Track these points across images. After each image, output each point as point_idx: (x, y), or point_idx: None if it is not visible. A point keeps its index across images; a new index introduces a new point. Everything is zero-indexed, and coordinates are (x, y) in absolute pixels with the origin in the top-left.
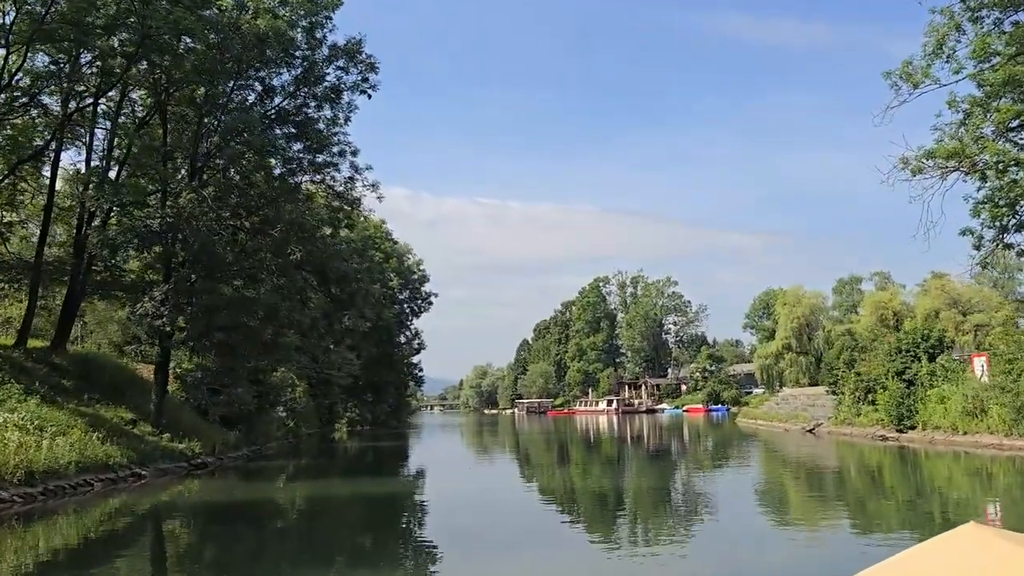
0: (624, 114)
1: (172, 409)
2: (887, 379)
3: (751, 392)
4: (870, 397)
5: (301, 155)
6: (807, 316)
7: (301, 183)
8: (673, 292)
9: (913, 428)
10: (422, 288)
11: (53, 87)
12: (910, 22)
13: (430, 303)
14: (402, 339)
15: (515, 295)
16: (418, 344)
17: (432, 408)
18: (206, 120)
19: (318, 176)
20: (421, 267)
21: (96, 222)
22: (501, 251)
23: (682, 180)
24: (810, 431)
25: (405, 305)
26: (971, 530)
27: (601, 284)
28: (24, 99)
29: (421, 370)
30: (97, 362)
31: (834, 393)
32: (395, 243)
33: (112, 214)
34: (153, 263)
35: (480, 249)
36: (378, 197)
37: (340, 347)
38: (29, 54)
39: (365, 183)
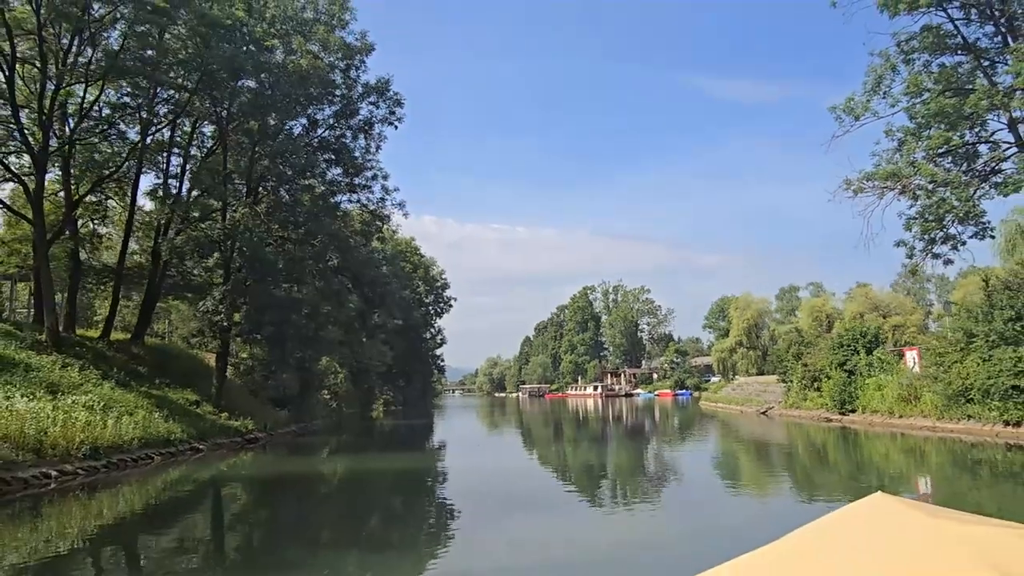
0: (611, 153)
1: (231, 392)
2: (831, 369)
3: (710, 380)
4: (816, 385)
5: (339, 178)
6: (755, 318)
7: (340, 202)
8: (647, 298)
9: (854, 411)
10: (444, 293)
11: (130, 117)
12: (842, 82)
13: (450, 305)
14: (427, 335)
15: (521, 302)
16: (440, 340)
17: (454, 392)
18: (258, 148)
19: (354, 196)
20: (443, 276)
21: (169, 234)
22: (510, 267)
23: (661, 208)
24: (763, 413)
25: (430, 307)
26: (879, 500)
27: (589, 291)
28: (104, 127)
29: (443, 361)
30: (170, 352)
31: (784, 381)
32: (422, 256)
33: (182, 227)
34: (215, 268)
35: (494, 266)
36: (404, 214)
37: (375, 340)
38: (107, 88)
39: (393, 202)
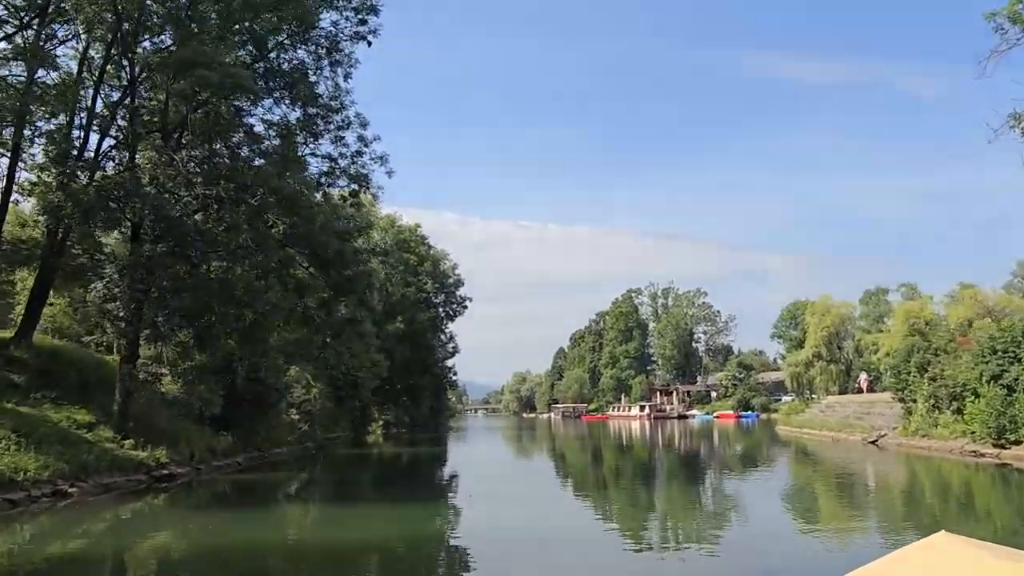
0: (659, 144)
1: (145, 411)
2: (979, 384)
3: (780, 399)
4: (955, 406)
5: (306, 125)
6: (836, 325)
7: (301, 155)
8: (703, 302)
9: (1018, 443)
10: (457, 292)
11: None
12: (915, 59)
13: (465, 307)
14: (437, 342)
15: (554, 311)
16: (453, 348)
17: (475, 411)
18: (177, 77)
19: (319, 146)
20: (456, 271)
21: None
22: (541, 270)
23: (713, 204)
24: (872, 443)
25: (440, 309)
26: (942, 539)
27: (634, 295)
28: None
29: (456, 374)
30: (66, 356)
31: (902, 400)
32: (430, 248)
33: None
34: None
35: (523, 269)
36: (388, 172)
37: (366, 346)
38: None
39: (374, 156)
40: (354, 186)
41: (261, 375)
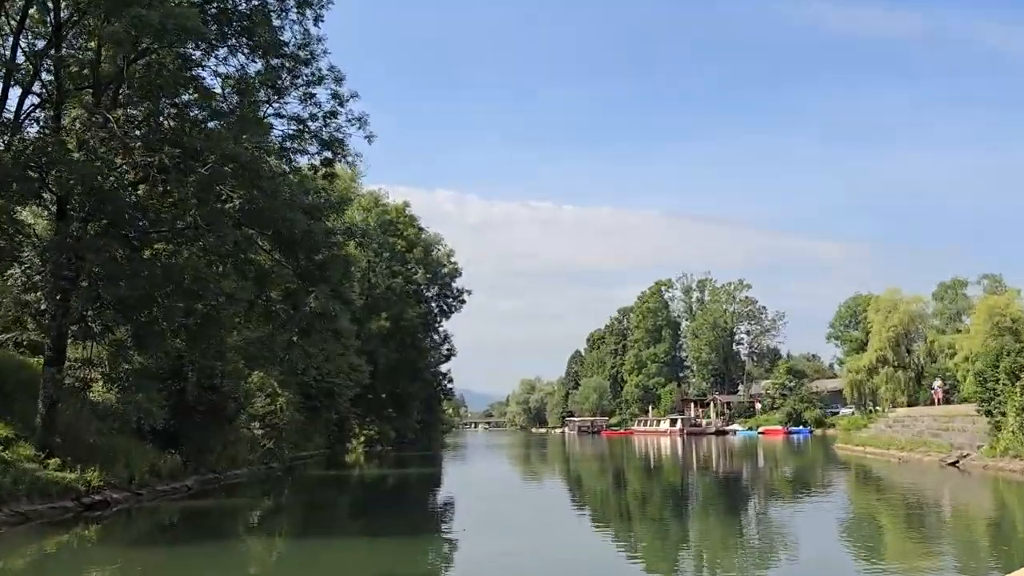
0: (691, 111)
1: (72, 422)
2: None
3: (837, 412)
4: None
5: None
6: (905, 324)
7: (264, 115)
8: (746, 297)
9: None
10: (453, 284)
11: None
12: (1003, 8)
13: (462, 301)
14: (429, 343)
15: (568, 305)
16: (448, 350)
17: (476, 426)
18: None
19: (287, 105)
20: (452, 259)
21: None
22: (554, 258)
23: (754, 182)
24: (952, 464)
25: (433, 303)
26: None
27: (663, 288)
28: None
29: (451, 381)
30: None
31: (988, 414)
32: (420, 231)
33: None
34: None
35: (532, 255)
36: (367, 137)
37: (338, 345)
38: None
39: (350, 117)
40: (327, 153)
41: (216, 382)
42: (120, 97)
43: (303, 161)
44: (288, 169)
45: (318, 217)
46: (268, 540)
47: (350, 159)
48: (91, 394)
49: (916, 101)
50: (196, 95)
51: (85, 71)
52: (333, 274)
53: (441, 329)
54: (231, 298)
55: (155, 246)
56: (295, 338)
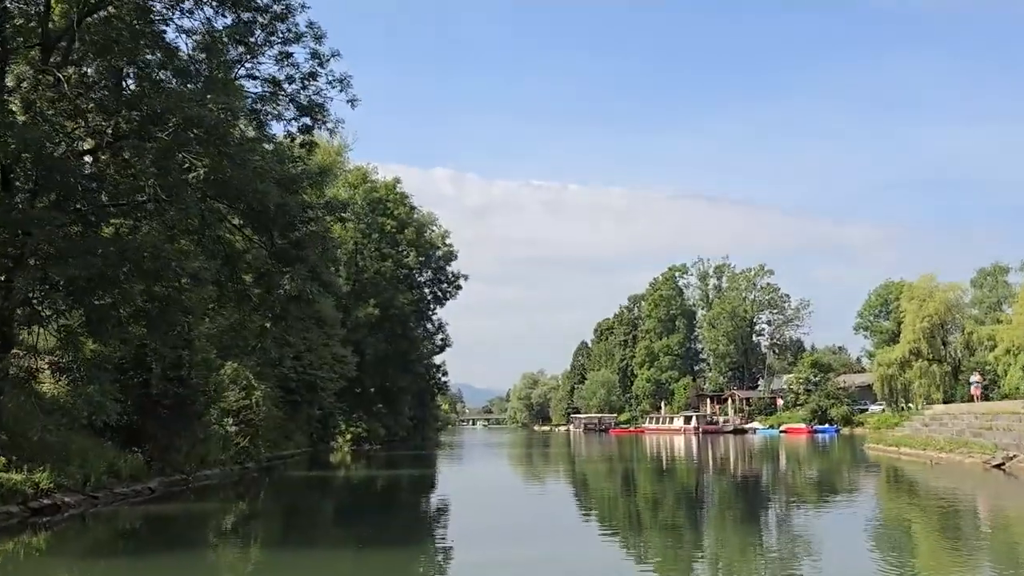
0: (709, 82)
1: (20, 417)
2: None
3: (866, 409)
4: None
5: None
6: (941, 314)
7: (235, 76)
8: (767, 284)
9: None
10: (448, 268)
11: None
12: None
13: (458, 287)
14: (421, 332)
15: (575, 294)
16: (443, 340)
17: (474, 423)
18: None
19: (261, 65)
20: (447, 241)
21: None
22: (559, 242)
23: (778, 160)
24: (997, 466)
25: (426, 289)
26: None
27: (677, 274)
28: None
29: (446, 374)
30: None
31: None
32: (412, 209)
33: None
34: None
35: (535, 240)
36: (350, 101)
37: (320, 334)
38: None
39: (332, 78)
40: (305, 120)
41: (184, 373)
42: (72, 55)
43: (278, 129)
44: (260, 136)
45: (294, 190)
46: (241, 549)
47: (331, 125)
48: (40, 386)
49: (956, 73)
50: (158, 53)
51: (32, 24)
52: (311, 253)
53: (435, 317)
54: (195, 279)
55: (113, 221)
56: (268, 324)
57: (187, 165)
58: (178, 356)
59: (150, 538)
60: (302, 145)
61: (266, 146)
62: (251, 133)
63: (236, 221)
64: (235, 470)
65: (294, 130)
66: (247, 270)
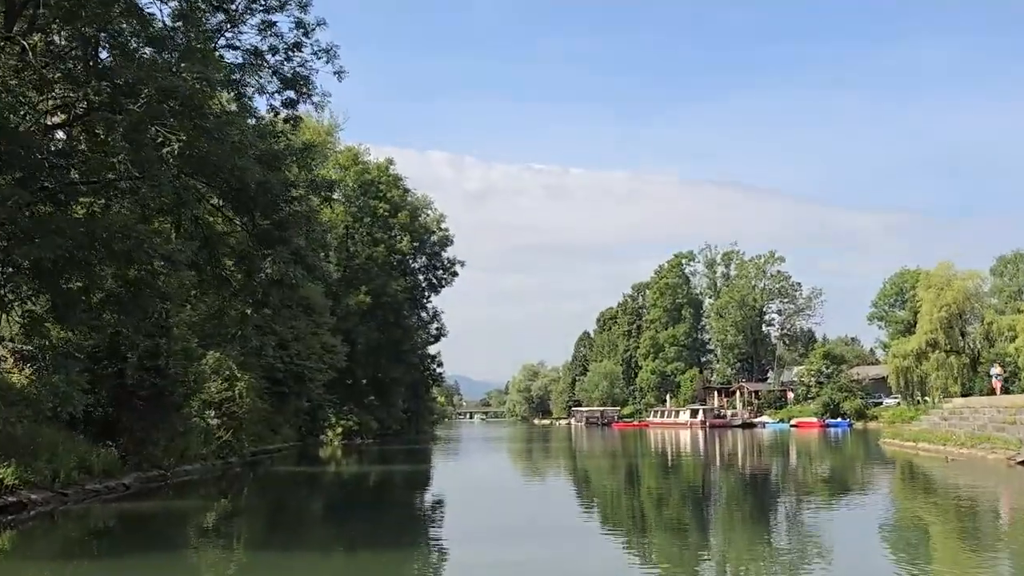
0: (718, 63)
1: None
2: None
3: (880, 402)
4: None
5: None
6: (959, 303)
7: (214, 46)
8: (778, 272)
9: None
10: (443, 254)
11: None
12: None
13: (454, 273)
14: (415, 321)
15: (577, 283)
16: (438, 329)
17: (472, 416)
18: None
19: (242, 34)
20: (443, 225)
21: None
22: (561, 228)
23: (788, 145)
24: (1022, 463)
25: (420, 276)
26: None
27: (684, 261)
28: None
29: (441, 364)
30: None
31: None
32: (406, 192)
33: None
34: None
35: (536, 226)
36: (336, 73)
37: (308, 323)
38: None
39: (317, 48)
40: (289, 93)
41: (161, 363)
42: (36, 20)
43: (262, 105)
44: (242, 111)
45: (277, 167)
46: (223, 549)
47: (317, 99)
48: (4, 376)
49: (974, 51)
50: (131, 20)
51: None
52: (294, 235)
53: (429, 305)
54: (170, 261)
55: (83, 200)
56: (249, 310)
57: (161, 139)
58: (155, 344)
59: (124, 538)
60: (286, 120)
61: (248, 121)
62: (233, 108)
63: (216, 201)
64: (217, 465)
65: (278, 104)
66: (228, 254)
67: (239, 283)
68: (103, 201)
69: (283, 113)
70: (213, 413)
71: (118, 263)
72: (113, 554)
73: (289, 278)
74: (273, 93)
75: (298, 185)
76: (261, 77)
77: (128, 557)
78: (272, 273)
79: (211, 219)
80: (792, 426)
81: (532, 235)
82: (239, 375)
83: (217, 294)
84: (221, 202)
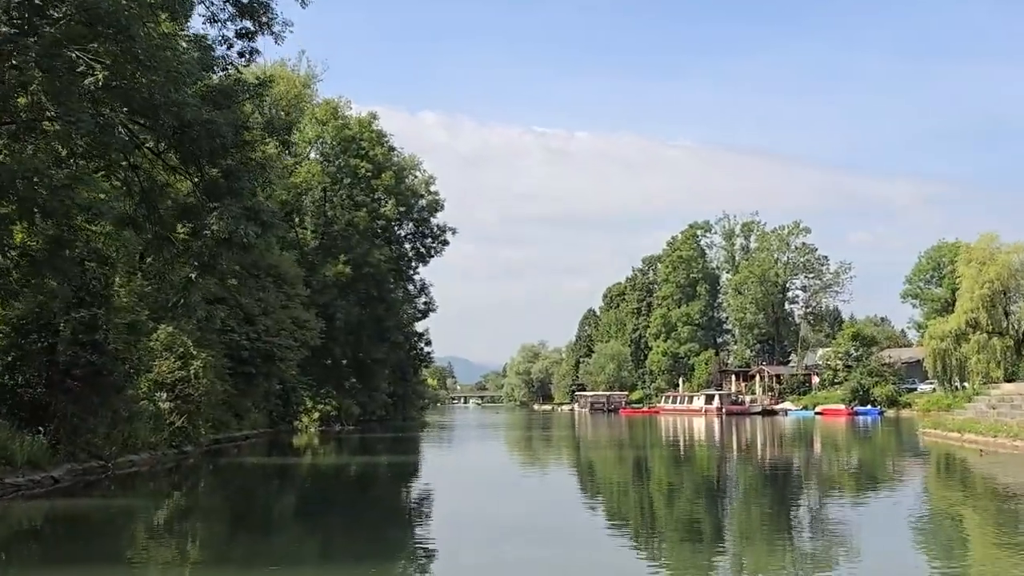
0: (736, 21)
1: None
2: None
3: (915, 388)
4: None
5: None
6: (1003, 280)
7: None
8: (803, 244)
9: None
10: (432, 220)
11: None
12: None
13: (444, 242)
14: (402, 294)
15: (582, 256)
16: (426, 303)
17: (467, 401)
18: None
19: None
20: (432, 188)
21: None
22: (565, 196)
23: (811, 107)
24: None
25: (406, 244)
26: None
27: (699, 233)
28: None
29: (430, 343)
30: None
31: None
32: (391, 151)
33: None
34: None
35: (537, 195)
36: (302, 2)
37: (278, 294)
38: None
39: None
40: (246, 23)
41: (99, 337)
42: None
43: (212, 33)
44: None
45: (225, 105)
46: (171, 557)
47: (277, 28)
48: None
49: (1014, 10)
50: None
51: None
52: (245, 185)
53: (417, 277)
54: (95, 214)
55: None
56: (194, 275)
57: (81, 67)
58: (92, 316)
59: (57, 543)
60: (240, 54)
61: (186, 47)
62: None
63: (154, 146)
64: (169, 455)
65: (231, 35)
66: (171, 208)
67: (181, 243)
68: (13, 142)
69: (237, 45)
70: (165, 396)
71: (28, 216)
72: (32, 563)
73: (239, 236)
74: (225, 21)
75: (252, 128)
76: (212, 4)
77: (53, 565)
78: (219, 231)
79: (150, 168)
80: (817, 413)
81: (533, 204)
82: (195, 352)
83: (158, 255)
84: (163, 147)
